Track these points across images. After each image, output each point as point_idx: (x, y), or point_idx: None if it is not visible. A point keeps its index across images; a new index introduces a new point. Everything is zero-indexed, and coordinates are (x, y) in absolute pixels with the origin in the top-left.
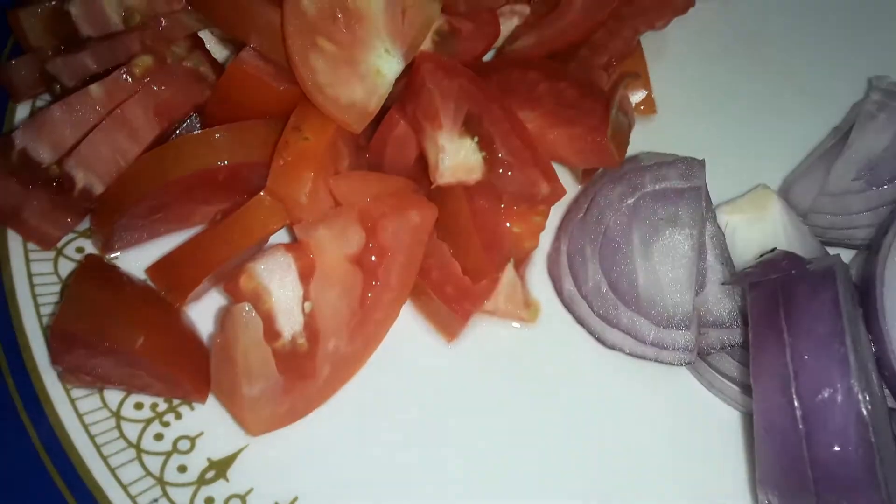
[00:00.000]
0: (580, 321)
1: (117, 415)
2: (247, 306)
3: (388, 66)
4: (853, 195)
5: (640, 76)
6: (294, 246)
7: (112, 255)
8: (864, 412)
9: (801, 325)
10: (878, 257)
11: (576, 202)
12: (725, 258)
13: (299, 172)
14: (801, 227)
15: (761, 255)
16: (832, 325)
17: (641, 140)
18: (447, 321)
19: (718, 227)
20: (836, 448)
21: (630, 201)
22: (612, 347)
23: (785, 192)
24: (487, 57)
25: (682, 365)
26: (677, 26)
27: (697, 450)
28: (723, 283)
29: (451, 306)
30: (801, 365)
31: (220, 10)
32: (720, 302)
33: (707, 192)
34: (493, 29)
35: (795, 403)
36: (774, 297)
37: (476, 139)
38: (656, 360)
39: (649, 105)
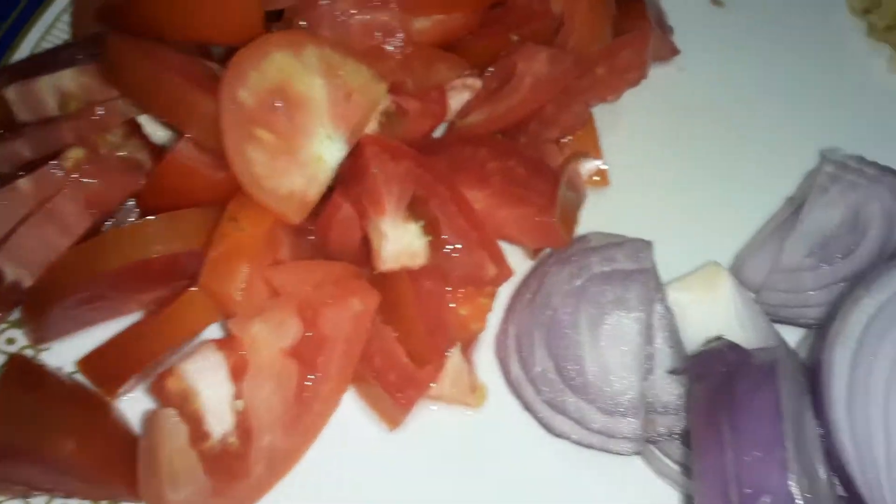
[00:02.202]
0: (527, 407)
1: None
2: (171, 412)
3: (329, 152)
4: (806, 272)
5: (589, 154)
6: (226, 342)
7: (43, 347)
8: None
9: (741, 423)
10: (826, 343)
11: (524, 283)
12: (674, 341)
13: (233, 266)
14: (753, 307)
15: (707, 342)
16: (773, 426)
17: (594, 213)
18: (390, 408)
19: (668, 309)
20: None
21: (578, 283)
22: (559, 435)
23: (737, 269)
24: (439, 132)
25: (629, 454)
26: (631, 96)
27: None
28: (668, 372)
29: (393, 395)
30: (741, 467)
31: (157, 100)
32: (668, 387)
33: (656, 273)
34: (441, 107)
35: None
36: (716, 392)
37: (421, 223)
38: (602, 450)
39: (602, 177)
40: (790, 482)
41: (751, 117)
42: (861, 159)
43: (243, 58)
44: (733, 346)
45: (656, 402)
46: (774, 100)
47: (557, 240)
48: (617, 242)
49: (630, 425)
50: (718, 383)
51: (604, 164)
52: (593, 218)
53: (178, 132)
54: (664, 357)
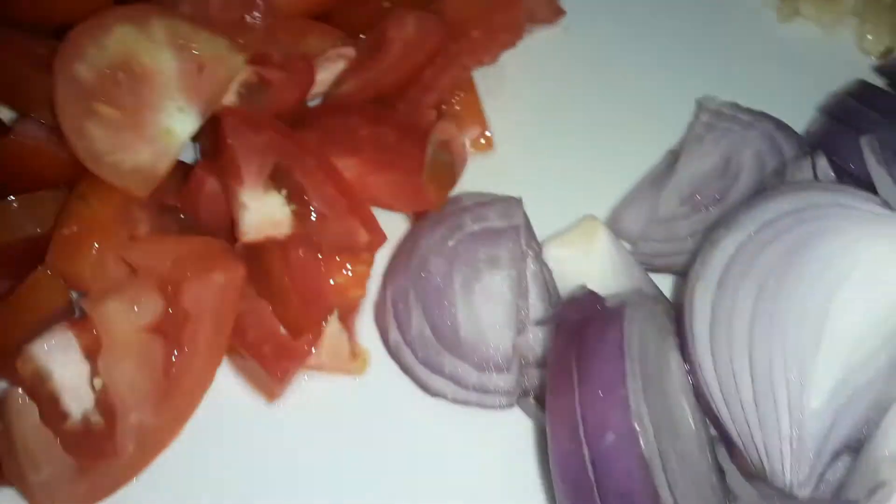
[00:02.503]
0: (405, 370)
1: None
2: (19, 391)
3: (181, 125)
4: (679, 220)
5: (470, 118)
6: (78, 321)
7: None
8: (646, 455)
9: (588, 365)
10: (687, 286)
11: (400, 247)
12: (546, 296)
13: (82, 244)
14: (627, 258)
15: (570, 293)
16: (615, 366)
17: (479, 177)
18: (267, 381)
19: (543, 264)
20: (622, 493)
21: (451, 244)
22: (436, 395)
23: (614, 221)
24: (316, 102)
25: (503, 408)
26: (515, 59)
27: (534, 490)
28: (536, 324)
29: (267, 367)
30: (587, 407)
31: None
32: (542, 341)
33: (529, 229)
34: (307, 77)
35: (584, 450)
36: (569, 338)
37: (284, 192)
38: (478, 405)
39: (487, 141)
40: (633, 420)
41: (635, 73)
42: (736, 106)
43: (79, 32)
44: (590, 294)
45: (531, 355)
46: (659, 53)
47: (427, 202)
48: (487, 201)
49: (504, 379)
50: (573, 329)
51: (487, 128)
52: (479, 180)
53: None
54: (537, 312)
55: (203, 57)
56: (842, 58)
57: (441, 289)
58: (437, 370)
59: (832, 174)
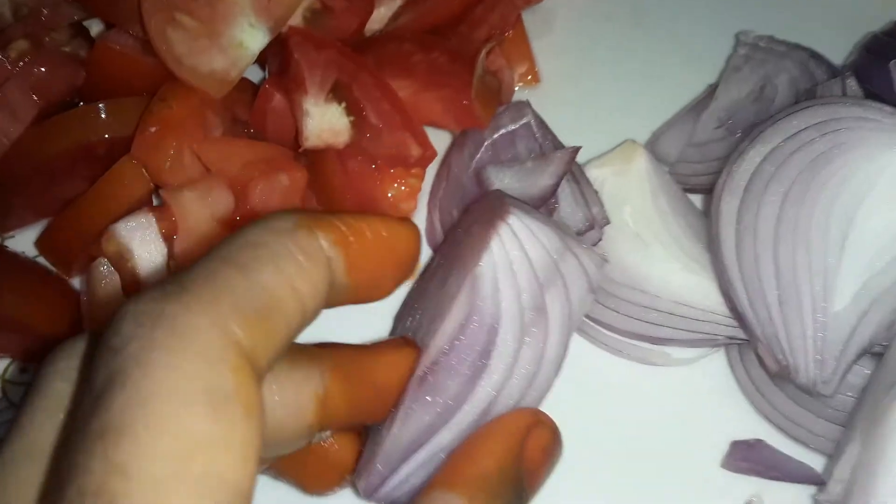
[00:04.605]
0: None
1: None
2: (104, 262)
3: (251, 39)
4: (715, 143)
5: (502, 44)
6: (158, 208)
7: (7, 235)
8: None
9: None
10: (714, 195)
11: (437, 174)
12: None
13: (163, 140)
14: (665, 177)
15: None
16: None
17: None
18: None
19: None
20: None
21: (477, 157)
22: None
23: (652, 145)
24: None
25: None
26: (562, 2)
27: None
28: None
29: None
30: None
31: None
32: (573, 214)
33: (545, 127)
34: (367, 6)
35: None
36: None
37: (343, 105)
38: None
39: (533, 76)
40: None
41: (678, 12)
42: (772, 38)
43: None
44: None
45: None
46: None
47: (475, 119)
48: (500, 112)
49: None
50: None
51: (534, 64)
52: None
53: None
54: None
55: None
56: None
57: (476, 196)
58: None
59: (860, 93)
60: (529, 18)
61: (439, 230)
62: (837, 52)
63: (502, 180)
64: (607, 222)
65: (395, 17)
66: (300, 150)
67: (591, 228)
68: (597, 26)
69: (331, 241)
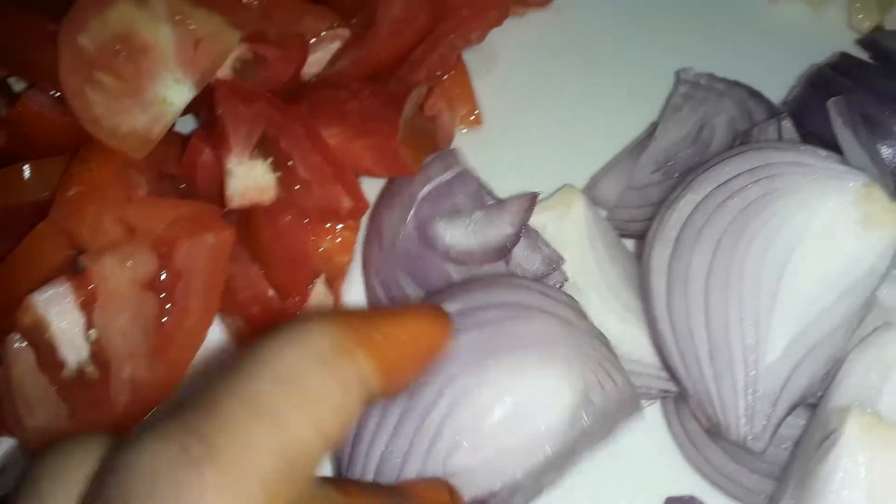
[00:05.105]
0: None
1: None
2: (17, 336)
3: (176, 94)
4: (653, 187)
5: (442, 86)
6: (76, 276)
7: None
8: None
9: None
10: (645, 246)
11: (367, 236)
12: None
13: (83, 203)
14: (602, 223)
15: None
16: None
17: (467, 151)
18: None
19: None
20: None
21: (412, 213)
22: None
23: (592, 189)
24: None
25: None
26: (506, 40)
27: None
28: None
29: (255, 327)
30: None
31: (6, 53)
32: (530, 258)
33: (475, 174)
34: (300, 54)
35: None
36: None
37: (270, 160)
38: None
39: (475, 117)
40: None
41: (622, 51)
42: (711, 76)
43: (83, 6)
44: None
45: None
46: (646, 34)
47: (403, 166)
48: (429, 161)
49: None
50: None
51: (476, 105)
52: (468, 156)
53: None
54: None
55: (200, 32)
56: (830, 36)
57: (421, 254)
58: None
59: (796, 136)
60: (472, 57)
61: (385, 301)
62: (783, 85)
63: (453, 235)
64: (563, 261)
65: (334, 60)
66: (224, 210)
67: (554, 269)
68: (540, 66)
69: (370, 360)
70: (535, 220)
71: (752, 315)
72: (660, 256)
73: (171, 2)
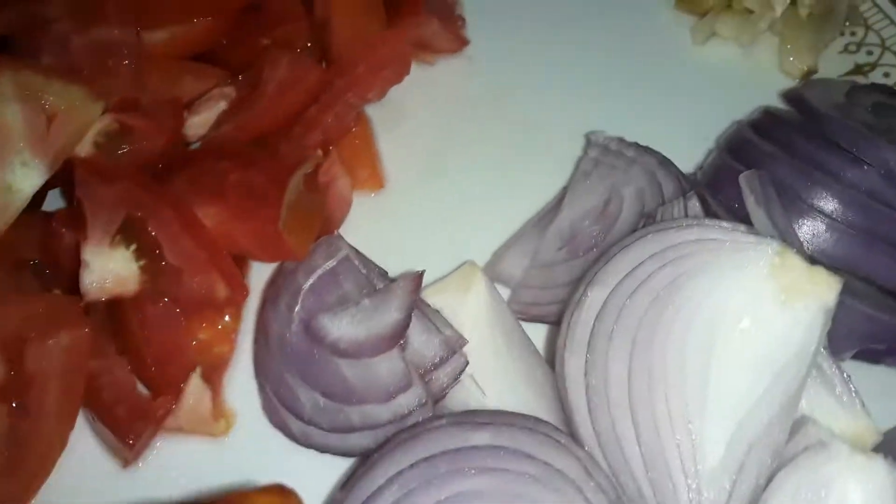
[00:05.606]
0: (323, 449)
1: None
2: None
3: (24, 180)
4: (558, 266)
5: (344, 155)
6: None
7: None
8: None
9: None
10: (556, 355)
11: (257, 334)
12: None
13: None
14: (501, 306)
15: None
16: None
17: (366, 218)
18: (120, 445)
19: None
20: None
21: (297, 308)
22: (360, 453)
23: (494, 265)
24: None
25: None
26: (414, 91)
27: None
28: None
29: (117, 431)
30: None
31: None
32: (428, 343)
33: (363, 257)
34: (173, 123)
35: None
36: None
37: (133, 247)
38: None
39: (375, 180)
40: None
41: (538, 106)
42: (621, 141)
43: None
44: None
45: (425, 359)
46: (564, 85)
47: (286, 251)
48: (311, 249)
49: (412, 395)
50: None
51: (377, 167)
52: (365, 222)
53: None
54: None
55: (55, 107)
56: (760, 82)
57: (311, 352)
58: (348, 428)
59: (701, 212)
60: (377, 112)
61: (282, 409)
62: (709, 137)
63: (339, 328)
64: (465, 342)
65: (219, 123)
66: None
67: (453, 354)
68: (450, 117)
69: None
70: (433, 302)
71: (683, 416)
72: (573, 368)
73: (21, 77)
